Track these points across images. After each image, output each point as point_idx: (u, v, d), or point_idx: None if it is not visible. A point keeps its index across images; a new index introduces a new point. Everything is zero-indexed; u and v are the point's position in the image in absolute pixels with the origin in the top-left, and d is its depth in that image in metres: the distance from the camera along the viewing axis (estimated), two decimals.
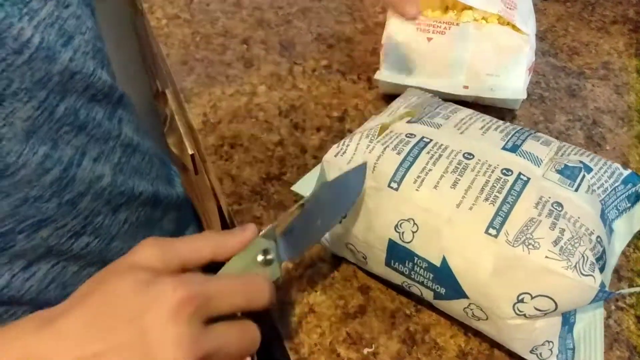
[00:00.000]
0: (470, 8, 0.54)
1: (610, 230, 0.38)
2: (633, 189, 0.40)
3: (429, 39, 0.55)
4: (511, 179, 0.36)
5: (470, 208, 0.35)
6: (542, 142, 0.40)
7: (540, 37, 0.67)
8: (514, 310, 0.34)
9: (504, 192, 0.36)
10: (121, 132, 0.40)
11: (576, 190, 0.37)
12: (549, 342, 0.36)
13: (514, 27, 0.53)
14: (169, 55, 0.67)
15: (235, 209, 0.50)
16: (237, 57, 0.66)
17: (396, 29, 0.56)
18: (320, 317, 0.42)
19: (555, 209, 0.35)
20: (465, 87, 0.55)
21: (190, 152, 0.75)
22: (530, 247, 0.33)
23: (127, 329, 0.25)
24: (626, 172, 0.40)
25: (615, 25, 0.69)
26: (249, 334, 0.30)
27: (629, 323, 0.41)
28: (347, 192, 0.38)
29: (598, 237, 0.35)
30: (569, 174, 0.37)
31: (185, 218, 0.54)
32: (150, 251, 0.29)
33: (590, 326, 0.37)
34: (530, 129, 0.42)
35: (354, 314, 0.42)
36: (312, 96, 0.60)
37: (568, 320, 0.36)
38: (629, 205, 0.40)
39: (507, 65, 0.53)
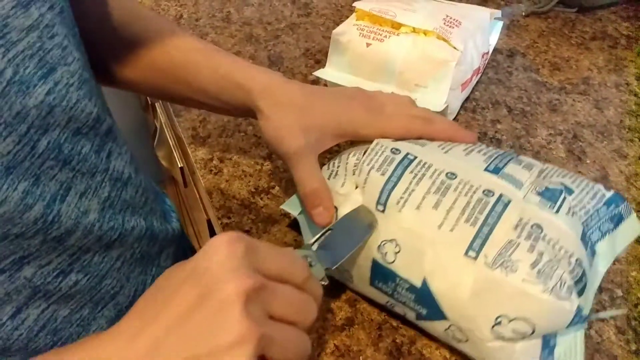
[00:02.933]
0: None
1: (593, 252, 0.38)
2: (616, 210, 0.40)
3: (368, 45, 0.58)
4: (492, 200, 0.37)
5: (452, 229, 0.36)
6: (523, 166, 0.41)
7: (522, 52, 0.69)
8: (493, 332, 0.35)
9: (485, 213, 0.36)
10: (109, 165, 0.39)
11: (557, 212, 0.37)
12: None
13: (450, 43, 0.56)
14: None
15: (224, 222, 0.50)
16: None
17: (341, 31, 0.60)
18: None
19: (535, 230, 0.35)
20: (393, 93, 0.57)
21: (179, 165, 0.75)
22: (508, 269, 0.34)
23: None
24: (609, 194, 0.40)
25: (595, 42, 0.71)
26: (305, 343, 0.31)
27: (609, 334, 0.42)
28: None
29: (577, 259, 0.35)
30: (549, 195, 0.38)
31: (183, 253, 0.53)
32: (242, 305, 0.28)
33: (571, 349, 0.37)
34: (512, 152, 0.43)
35: (342, 326, 0.43)
36: None
37: (548, 343, 0.36)
38: (612, 226, 0.40)
39: (435, 78, 0.56)
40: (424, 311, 0.38)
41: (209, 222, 0.67)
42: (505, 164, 0.40)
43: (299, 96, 0.43)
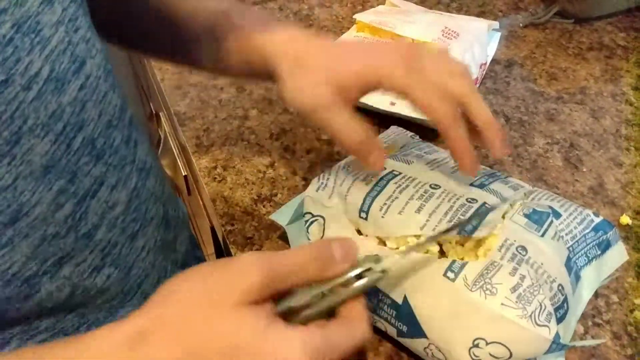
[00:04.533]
0: None
1: (577, 278, 0.38)
2: (604, 237, 0.40)
3: None
4: (476, 205, 0.37)
5: (434, 229, 0.36)
6: (510, 186, 0.41)
7: (520, 63, 0.70)
8: (470, 354, 0.34)
9: (468, 215, 0.36)
10: (136, 156, 0.39)
11: (542, 235, 0.37)
12: None
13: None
14: (163, 80, 0.69)
15: (227, 230, 0.52)
16: (229, 82, 0.68)
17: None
18: None
19: (519, 252, 0.35)
20: (392, 103, 0.58)
21: (183, 173, 0.76)
22: (488, 292, 0.33)
23: None
24: (597, 220, 0.40)
25: (592, 52, 0.72)
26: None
27: (605, 339, 0.43)
28: None
29: (560, 285, 0.35)
30: (536, 218, 0.37)
31: (192, 237, 0.54)
32: (252, 279, 0.26)
33: None
34: (502, 174, 0.43)
35: None
36: (302, 120, 0.63)
37: None
38: (599, 252, 0.40)
39: None
40: (404, 328, 0.37)
41: (212, 229, 0.68)
42: (492, 182, 0.40)
43: (320, 52, 0.40)
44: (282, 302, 0.28)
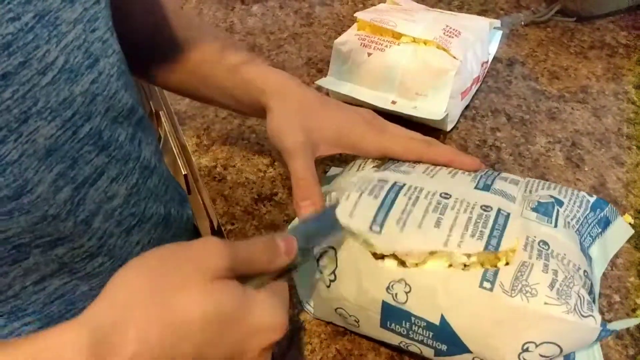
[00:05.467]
0: None
1: (590, 260, 0.39)
2: (602, 214, 0.40)
3: (369, 54, 0.59)
4: (492, 214, 0.36)
5: (459, 245, 0.35)
6: (509, 181, 0.41)
7: (522, 61, 0.70)
8: (519, 359, 0.34)
9: (489, 227, 0.36)
10: (141, 154, 0.41)
11: (555, 226, 0.37)
12: None
13: (449, 53, 0.57)
14: None
15: (228, 229, 0.51)
16: None
17: (343, 40, 0.61)
18: (310, 335, 0.43)
19: (543, 248, 0.35)
20: (393, 102, 0.58)
21: (183, 172, 0.76)
22: (528, 294, 0.33)
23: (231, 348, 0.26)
24: (592, 199, 0.40)
25: (593, 51, 0.72)
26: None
27: (607, 339, 0.43)
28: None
29: (585, 271, 0.35)
30: (544, 210, 0.37)
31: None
32: (221, 261, 0.27)
33: (589, 357, 0.37)
34: (492, 171, 0.43)
35: (344, 331, 0.43)
36: None
37: (569, 356, 0.36)
38: (600, 230, 0.40)
39: (435, 87, 0.57)
40: (444, 347, 0.37)
41: (212, 228, 0.67)
42: (494, 181, 0.40)
43: (307, 100, 0.45)
44: None
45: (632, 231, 0.42)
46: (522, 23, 0.76)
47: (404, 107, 0.57)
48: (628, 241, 0.48)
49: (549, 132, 0.60)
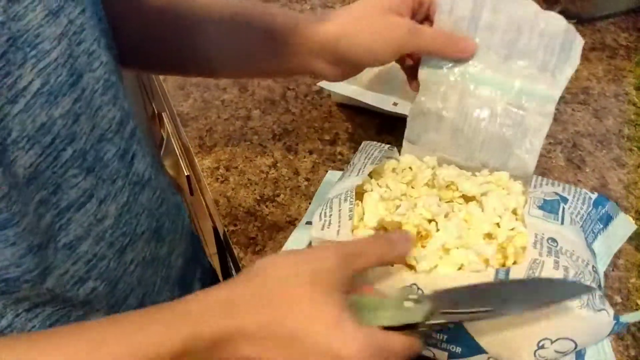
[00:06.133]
0: None
1: (594, 255, 0.39)
2: (603, 211, 0.41)
3: None
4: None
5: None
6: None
7: None
8: (536, 356, 0.35)
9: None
10: (131, 169, 0.39)
11: (562, 223, 0.37)
12: None
13: None
14: (166, 80, 0.69)
15: (230, 230, 0.52)
16: (232, 83, 0.68)
17: None
18: None
19: (552, 245, 0.35)
20: (395, 103, 0.58)
21: (186, 173, 0.77)
22: None
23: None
24: (594, 196, 0.41)
25: (594, 52, 0.72)
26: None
27: (609, 339, 0.43)
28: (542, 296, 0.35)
29: (593, 266, 0.36)
30: (549, 208, 0.38)
31: (194, 252, 0.53)
32: (339, 272, 0.31)
33: (599, 352, 0.37)
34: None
35: None
36: (304, 120, 0.63)
37: (580, 353, 0.37)
38: (602, 227, 0.41)
39: None
40: (458, 350, 0.37)
41: (215, 229, 0.68)
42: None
43: (356, 11, 0.45)
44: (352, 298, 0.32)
45: (634, 227, 0.42)
46: None
47: (406, 108, 0.58)
48: (629, 242, 0.49)
49: (550, 133, 0.60)
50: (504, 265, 0.36)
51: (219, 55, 0.48)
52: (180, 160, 0.79)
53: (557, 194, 0.40)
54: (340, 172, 0.52)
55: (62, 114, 0.32)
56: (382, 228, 0.39)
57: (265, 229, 0.51)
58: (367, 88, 0.60)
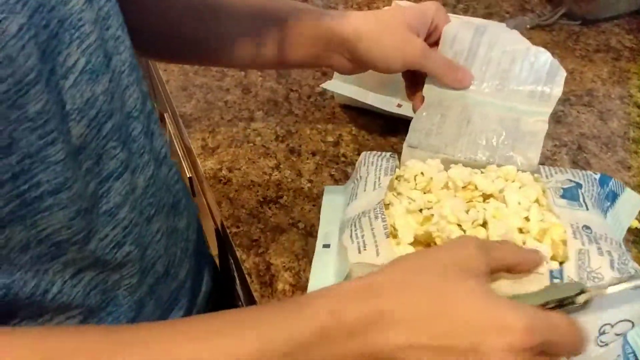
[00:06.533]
0: None
1: None
2: (608, 189, 0.43)
3: None
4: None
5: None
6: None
7: None
8: (597, 343, 0.35)
9: None
10: (152, 145, 0.42)
11: (587, 209, 0.38)
12: (618, 356, 0.37)
13: None
14: (169, 82, 0.69)
15: (233, 232, 0.51)
16: (235, 84, 0.68)
17: None
18: None
19: (588, 232, 0.36)
20: (399, 105, 0.58)
21: (188, 175, 0.76)
22: (596, 280, 0.34)
23: (463, 341, 0.28)
24: (598, 176, 0.43)
25: (599, 54, 0.72)
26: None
27: None
28: None
29: (622, 245, 0.37)
30: (570, 196, 0.39)
31: (199, 230, 0.55)
32: (479, 257, 0.31)
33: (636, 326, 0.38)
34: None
35: None
36: (307, 122, 0.62)
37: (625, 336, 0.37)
38: (609, 204, 0.42)
39: None
40: None
41: (217, 231, 0.67)
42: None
43: (380, 19, 0.48)
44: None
45: None
46: (528, 26, 0.76)
47: (410, 110, 0.57)
48: (635, 245, 0.48)
49: (555, 135, 0.60)
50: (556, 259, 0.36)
51: (242, 44, 0.50)
52: (183, 161, 0.79)
53: (571, 180, 0.41)
54: (338, 185, 0.52)
55: (103, 91, 0.35)
56: (419, 243, 0.39)
57: (268, 230, 0.51)
58: (371, 89, 0.60)
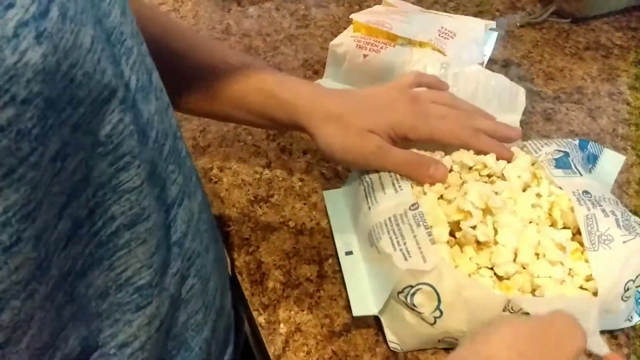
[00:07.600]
0: None
1: None
2: (587, 152, 0.45)
3: (365, 56, 0.59)
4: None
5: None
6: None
7: (517, 62, 0.70)
8: (622, 299, 0.37)
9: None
10: (193, 168, 0.39)
11: (581, 174, 0.40)
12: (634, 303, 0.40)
13: (444, 54, 0.58)
14: None
15: (224, 231, 0.51)
16: None
17: (339, 42, 0.61)
18: (306, 336, 0.43)
19: (588, 197, 0.38)
20: None
21: None
22: (608, 241, 0.36)
23: None
24: (576, 141, 0.45)
25: (588, 52, 0.72)
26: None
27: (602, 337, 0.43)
28: None
29: (618, 202, 0.39)
30: (563, 164, 0.41)
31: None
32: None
33: None
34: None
35: (339, 332, 0.44)
36: None
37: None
38: (591, 165, 0.44)
39: None
40: None
41: None
42: None
43: (343, 107, 0.45)
44: None
45: (623, 157, 0.47)
46: (518, 24, 0.76)
47: None
48: None
49: (545, 132, 0.60)
50: (552, 225, 0.39)
51: (206, 96, 0.48)
52: None
53: (559, 150, 0.42)
54: (337, 189, 0.51)
55: (155, 110, 0.31)
56: (455, 239, 0.41)
57: (259, 229, 0.51)
58: (360, 88, 0.60)
